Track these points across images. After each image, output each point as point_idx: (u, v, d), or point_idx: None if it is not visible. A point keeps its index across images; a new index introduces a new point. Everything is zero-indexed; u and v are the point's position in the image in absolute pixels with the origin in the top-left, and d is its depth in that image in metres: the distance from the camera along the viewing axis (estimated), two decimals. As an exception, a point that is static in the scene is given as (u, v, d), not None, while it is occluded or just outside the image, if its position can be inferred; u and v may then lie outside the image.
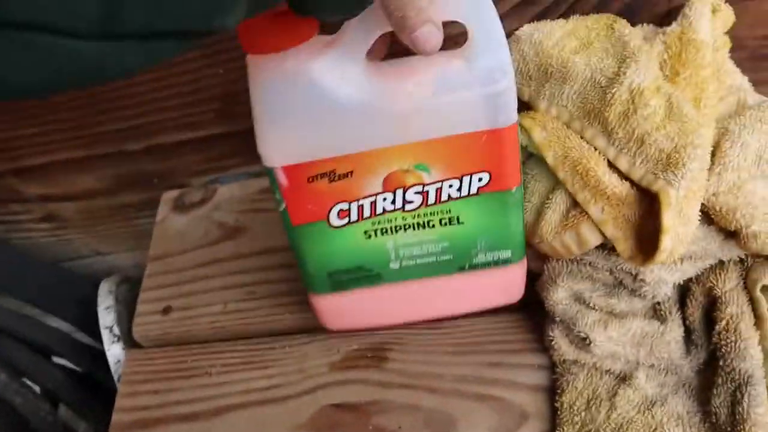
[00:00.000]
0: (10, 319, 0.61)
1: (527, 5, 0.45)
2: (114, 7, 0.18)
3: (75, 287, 0.67)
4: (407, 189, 0.36)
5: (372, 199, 0.36)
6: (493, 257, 0.39)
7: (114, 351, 0.55)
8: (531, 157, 0.41)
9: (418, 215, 0.37)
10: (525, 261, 0.41)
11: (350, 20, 0.31)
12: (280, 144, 0.34)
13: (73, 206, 0.61)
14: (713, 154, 0.37)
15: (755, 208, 0.36)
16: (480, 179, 0.35)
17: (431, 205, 0.36)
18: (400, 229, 0.38)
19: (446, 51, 0.31)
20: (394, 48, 0.34)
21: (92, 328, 0.62)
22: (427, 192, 0.36)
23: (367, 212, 0.37)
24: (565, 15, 0.45)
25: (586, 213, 0.37)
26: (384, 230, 0.38)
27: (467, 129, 0.33)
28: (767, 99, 0.40)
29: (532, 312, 0.43)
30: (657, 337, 0.38)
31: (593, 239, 0.38)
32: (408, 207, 0.36)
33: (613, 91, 0.37)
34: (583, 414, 0.38)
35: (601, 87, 0.38)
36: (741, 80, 0.41)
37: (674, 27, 0.40)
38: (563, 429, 0.38)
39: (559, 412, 0.38)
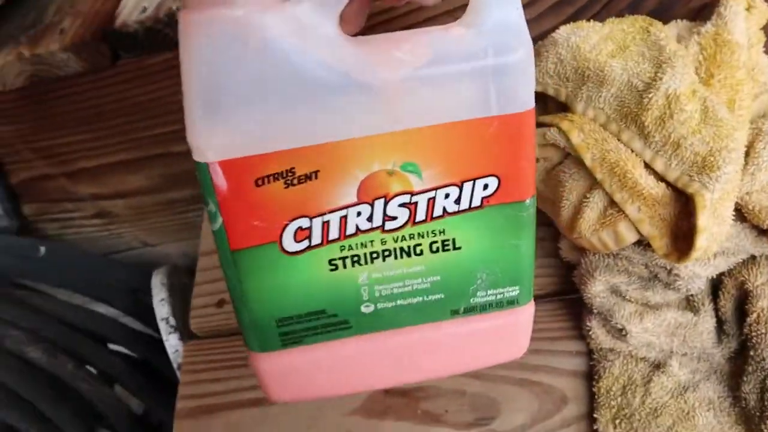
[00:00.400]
0: (69, 310, 0.65)
1: (562, 5, 0.46)
2: None
3: (125, 276, 0.71)
4: (390, 199, 0.27)
5: (342, 213, 0.27)
6: (496, 296, 0.31)
7: (172, 341, 0.58)
8: (568, 156, 0.43)
9: (403, 237, 0.28)
10: (533, 303, 0.33)
11: None
12: (218, 129, 0.25)
13: (123, 203, 0.64)
14: (747, 154, 0.38)
15: (787, 208, 0.38)
16: (486, 186, 0.28)
17: (420, 222, 0.28)
18: (378, 256, 0.29)
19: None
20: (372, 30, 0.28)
21: (143, 315, 0.66)
22: (416, 204, 0.28)
23: (334, 232, 0.28)
24: (599, 14, 0.46)
25: (623, 212, 0.39)
26: (356, 259, 0.28)
27: (472, 114, 0.26)
28: (800, 97, 0.41)
29: (569, 300, 0.46)
30: (690, 328, 0.40)
31: (630, 237, 0.40)
32: (390, 225, 0.28)
33: (650, 95, 0.38)
34: (619, 399, 0.40)
35: (638, 91, 0.39)
36: (774, 77, 0.42)
37: (709, 27, 0.41)
38: (601, 413, 0.40)
39: (596, 397, 0.41)
